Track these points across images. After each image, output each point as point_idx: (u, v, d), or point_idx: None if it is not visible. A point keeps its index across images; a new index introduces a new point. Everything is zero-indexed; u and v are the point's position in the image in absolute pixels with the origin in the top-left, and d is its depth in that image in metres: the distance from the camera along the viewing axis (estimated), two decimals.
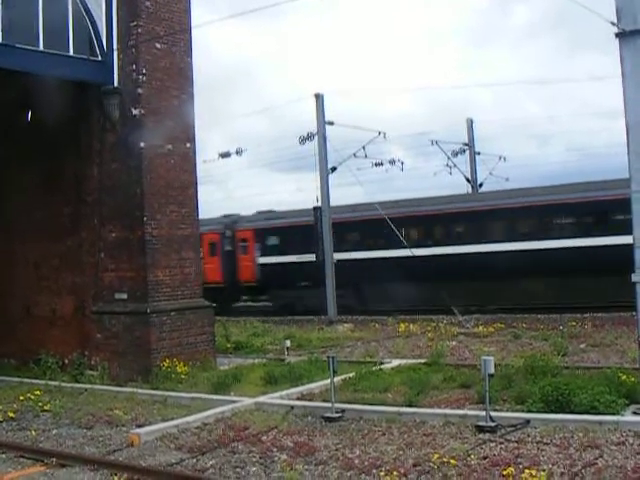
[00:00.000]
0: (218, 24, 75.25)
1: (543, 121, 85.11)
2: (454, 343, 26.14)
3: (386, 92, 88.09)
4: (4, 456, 13.44)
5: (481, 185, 48.37)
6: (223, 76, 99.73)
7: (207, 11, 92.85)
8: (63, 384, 19.97)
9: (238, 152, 42.54)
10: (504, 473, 10.59)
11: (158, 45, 21.70)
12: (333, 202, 38.40)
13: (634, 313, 14.24)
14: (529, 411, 13.97)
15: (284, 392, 17.47)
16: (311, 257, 38.82)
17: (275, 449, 12.86)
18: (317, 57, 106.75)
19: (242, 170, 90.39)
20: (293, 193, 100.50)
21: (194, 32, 22.77)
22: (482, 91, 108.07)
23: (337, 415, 14.83)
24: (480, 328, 29.49)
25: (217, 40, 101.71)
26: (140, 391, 18.77)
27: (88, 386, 19.76)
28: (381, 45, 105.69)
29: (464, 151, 47.55)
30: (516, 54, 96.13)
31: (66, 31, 20.93)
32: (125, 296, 21.44)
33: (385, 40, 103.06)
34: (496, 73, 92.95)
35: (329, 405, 15.13)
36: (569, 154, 77.02)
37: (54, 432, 15.27)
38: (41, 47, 20.27)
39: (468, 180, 47.82)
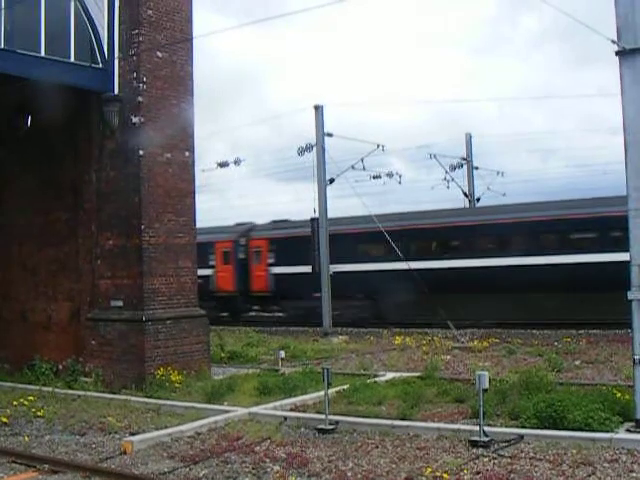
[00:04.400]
0: (222, 29, 75.09)
1: (546, 136, 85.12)
2: (449, 357, 26.12)
3: (387, 104, 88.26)
4: None
5: (478, 200, 48.47)
6: (224, 83, 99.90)
7: (212, 13, 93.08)
8: (57, 390, 19.93)
9: (236, 162, 42.68)
10: None
11: (159, 54, 21.73)
12: (332, 213, 38.41)
13: (629, 330, 14.23)
14: (523, 427, 13.96)
15: (278, 403, 17.45)
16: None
17: (268, 460, 12.83)
18: (319, 67, 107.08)
19: (242, 179, 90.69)
20: (291, 203, 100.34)
21: (197, 39, 22.82)
22: (485, 104, 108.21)
23: (331, 427, 14.81)
24: (475, 343, 29.46)
25: (219, 46, 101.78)
26: (134, 399, 18.74)
27: (82, 393, 19.72)
28: (383, 56, 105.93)
29: (462, 165, 47.64)
30: (522, 66, 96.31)
31: (67, 38, 20.99)
32: (121, 303, 21.41)
33: (387, 51, 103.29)
34: (500, 85, 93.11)
35: (323, 417, 15.10)
36: (570, 170, 77.10)
37: (47, 438, 15.22)
38: (42, 53, 20.32)
39: (465, 194, 47.89)
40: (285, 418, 15.89)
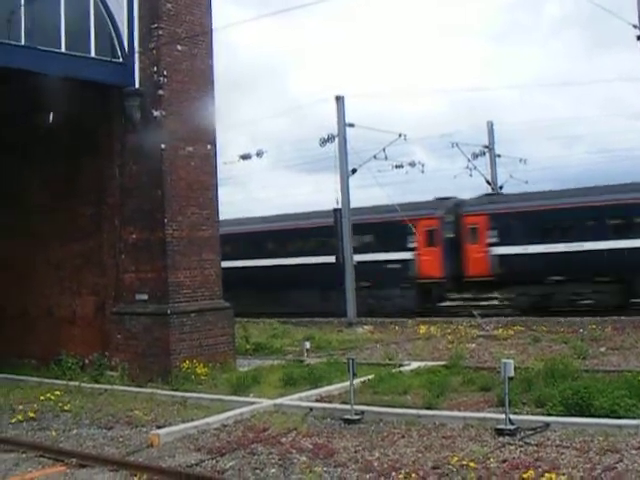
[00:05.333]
0: (241, 21, 74.96)
1: (567, 122, 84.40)
2: (474, 346, 26.07)
3: (408, 94, 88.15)
4: (24, 456, 13.52)
5: (501, 187, 48.26)
6: (244, 75, 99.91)
7: (231, 5, 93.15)
8: (83, 384, 20.04)
9: (259, 154, 42.56)
10: (524, 476, 10.55)
11: (179, 47, 21.76)
12: (354, 203, 38.32)
13: None
14: (549, 414, 13.92)
15: (303, 394, 17.47)
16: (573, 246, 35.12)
17: (294, 451, 12.85)
18: (339, 58, 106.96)
19: (263, 171, 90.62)
20: (311, 194, 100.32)
21: (217, 31, 22.83)
22: (506, 91, 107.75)
23: (356, 417, 14.82)
24: (500, 331, 29.43)
25: (238, 38, 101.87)
26: (160, 392, 18.83)
27: (108, 387, 19.85)
28: (404, 46, 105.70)
29: (484, 153, 47.46)
30: (541, 53, 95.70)
31: (88, 33, 21.05)
32: (145, 297, 21.49)
33: (408, 41, 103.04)
34: (520, 73, 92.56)
35: (348, 407, 15.10)
36: (593, 156, 76.52)
37: (74, 432, 15.34)
38: (63, 49, 20.39)
39: (488, 182, 47.70)
40: (311, 409, 15.90)
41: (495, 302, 38.48)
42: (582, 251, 34.75)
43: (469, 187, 58.99)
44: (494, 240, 38.33)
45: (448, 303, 40.02)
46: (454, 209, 40.90)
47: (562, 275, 35.76)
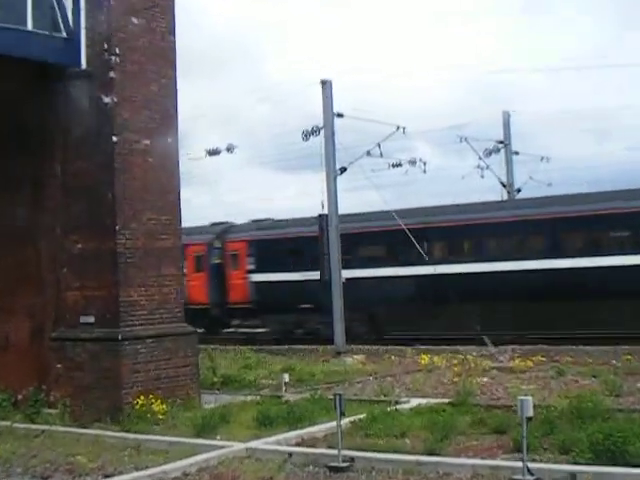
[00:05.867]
0: None
1: (603, 112, 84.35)
2: (485, 379, 26.05)
3: (408, 79, 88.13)
4: None
5: (519, 191, 48.39)
6: (215, 55, 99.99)
7: None
8: (15, 425, 19.92)
9: (229, 149, 42.68)
10: None
11: (135, 20, 21.68)
12: (343, 209, 38.36)
13: None
14: (575, 463, 13.88)
15: (281, 436, 17.41)
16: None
17: None
18: (326, 38, 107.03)
19: (235, 169, 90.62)
20: (295, 198, 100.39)
21: (181, 2, 22.84)
22: (525, 76, 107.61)
23: (345, 464, 14.76)
24: (516, 362, 29.41)
25: (206, 10, 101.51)
26: (109, 434, 18.72)
27: (46, 427, 19.67)
28: (403, 26, 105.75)
29: (499, 150, 47.58)
30: (572, 29, 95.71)
31: (23, 2, 20.93)
32: (92, 320, 21.38)
33: (407, 19, 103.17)
34: (543, 55, 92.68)
35: (335, 452, 15.05)
36: (633, 154, 76.46)
37: None
38: None
39: (503, 185, 47.81)
40: (290, 454, 15.83)
41: (261, 330, 45.16)
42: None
43: (480, 190, 58.88)
44: (252, 267, 45.29)
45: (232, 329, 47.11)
46: (221, 235, 47.70)
47: (311, 304, 40.52)
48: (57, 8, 21.45)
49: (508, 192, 47.83)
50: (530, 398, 13.92)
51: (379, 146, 39.76)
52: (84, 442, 18.18)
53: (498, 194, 47.21)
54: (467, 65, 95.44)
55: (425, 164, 43.34)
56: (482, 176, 46.80)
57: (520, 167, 48.69)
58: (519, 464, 13.45)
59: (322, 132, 37.45)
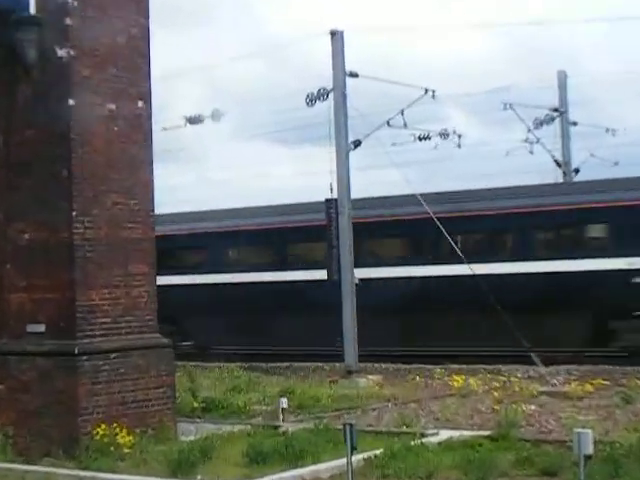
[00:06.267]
0: None
1: None
2: (533, 407, 26.07)
3: (438, 30, 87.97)
4: None
5: (577, 171, 48.31)
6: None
7: None
8: None
9: (215, 116, 42.61)
10: None
11: None
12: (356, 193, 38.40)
13: None
14: None
15: (277, 476, 17.41)
16: None
17: None
18: None
19: (222, 142, 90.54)
20: (298, 176, 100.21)
21: None
22: (586, 27, 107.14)
23: None
24: (572, 385, 29.42)
25: None
26: (62, 472, 18.70)
27: None
28: None
29: (553, 119, 47.49)
30: None
31: None
32: (42, 328, 21.36)
33: None
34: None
35: None
36: None
37: None
38: None
39: (558, 163, 47.74)
40: None
41: None
42: None
43: (528, 170, 58.30)
44: None
45: None
46: None
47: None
48: None
49: (564, 173, 47.75)
50: (589, 431, 13.94)
51: (402, 114, 39.66)
52: None
53: (551, 175, 47.16)
54: (508, 13, 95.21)
55: (460, 137, 43.33)
56: (531, 152, 46.81)
57: (579, 141, 48.70)
58: None
59: (331, 96, 37.34)
